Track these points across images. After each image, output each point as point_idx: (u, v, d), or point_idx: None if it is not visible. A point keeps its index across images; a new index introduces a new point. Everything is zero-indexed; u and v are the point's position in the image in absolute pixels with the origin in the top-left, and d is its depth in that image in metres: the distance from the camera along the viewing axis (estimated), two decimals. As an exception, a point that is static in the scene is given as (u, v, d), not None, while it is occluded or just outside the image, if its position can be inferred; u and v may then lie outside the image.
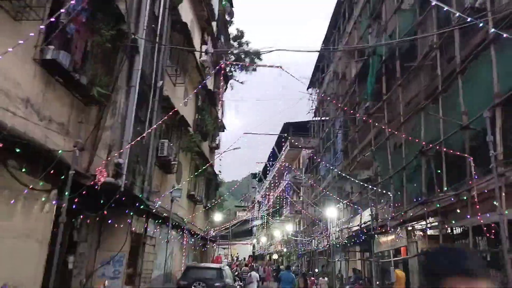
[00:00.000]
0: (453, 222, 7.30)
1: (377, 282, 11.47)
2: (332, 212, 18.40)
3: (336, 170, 17.02)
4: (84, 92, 7.25)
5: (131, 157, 8.90)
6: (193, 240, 17.77)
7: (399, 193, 10.35)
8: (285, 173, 33.53)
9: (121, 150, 8.21)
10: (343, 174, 15.10)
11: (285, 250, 33.76)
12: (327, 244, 20.03)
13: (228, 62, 21.88)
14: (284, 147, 34.16)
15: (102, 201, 8.17)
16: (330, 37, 24.13)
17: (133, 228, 10.19)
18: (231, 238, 45.21)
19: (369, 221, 12.91)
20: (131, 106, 8.89)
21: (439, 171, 7.71)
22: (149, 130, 9.29)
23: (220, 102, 22.26)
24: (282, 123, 32.39)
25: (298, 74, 27.31)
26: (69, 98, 7.15)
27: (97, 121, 7.97)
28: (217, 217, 26.28)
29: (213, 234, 24.74)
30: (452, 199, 7.15)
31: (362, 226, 13.58)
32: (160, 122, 9.91)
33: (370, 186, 12.42)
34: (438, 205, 7.69)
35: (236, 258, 44.31)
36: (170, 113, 9.90)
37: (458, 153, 6.91)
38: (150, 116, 10.26)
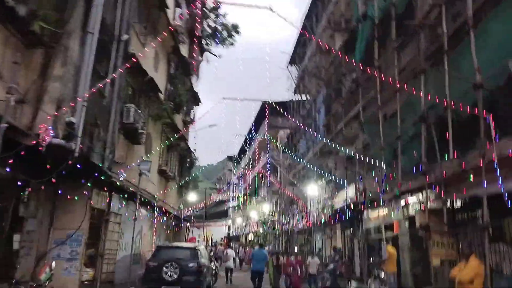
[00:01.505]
0: (463, 192, 6.46)
1: (371, 260, 10.67)
2: (312, 190, 17.55)
3: (324, 139, 16.02)
4: (23, 27, 5.73)
5: (88, 117, 7.48)
6: (165, 219, 16.49)
7: (394, 164, 9.45)
8: (264, 152, 32.53)
9: (74, 106, 6.77)
10: (331, 143, 14.12)
11: (261, 230, 33.09)
12: (306, 223, 19.30)
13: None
14: (263, 124, 33.02)
15: (54, 170, 6.79)
16: (313, 9, 22.91)
17: (93, 203, 8.85)
18: (206, 219, 44.06)
19: (355, 196, 12.07)
20: (88, 56, 7.39)
21: (446, 133, 6.79)
22: (107, 81, 7.81)
23: (195, 72, 20.67)
24: (260, 102, 31.14)
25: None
26: (3, 34, 5.61)
27: (43, 69, 6.46)
28: (192, 197, 25.18)
29: (187, 214, 23.57)
30: (463, 164, 6.26)
31: (348, 203, 12.74)
32: (121, 73, 8.47)
33: (361, 157, 11.47)
34: (443, 173, 6.81)
35: (210, 239, 43.46)
36: (132, 64, 8.41)
37: (476, 111, 5.95)
38: (113, 72, 8.77)
